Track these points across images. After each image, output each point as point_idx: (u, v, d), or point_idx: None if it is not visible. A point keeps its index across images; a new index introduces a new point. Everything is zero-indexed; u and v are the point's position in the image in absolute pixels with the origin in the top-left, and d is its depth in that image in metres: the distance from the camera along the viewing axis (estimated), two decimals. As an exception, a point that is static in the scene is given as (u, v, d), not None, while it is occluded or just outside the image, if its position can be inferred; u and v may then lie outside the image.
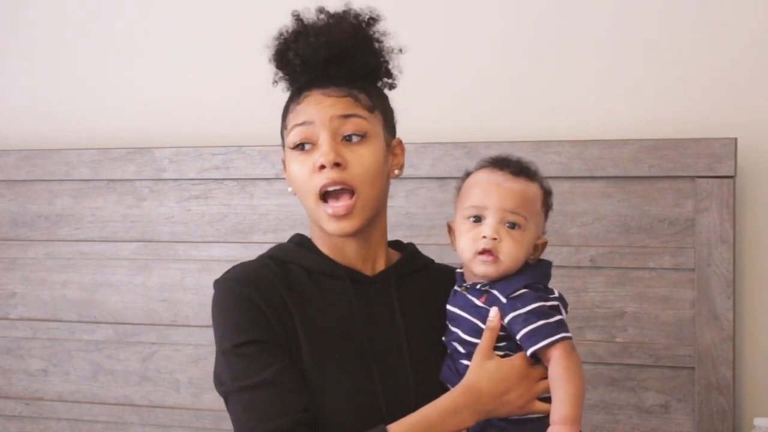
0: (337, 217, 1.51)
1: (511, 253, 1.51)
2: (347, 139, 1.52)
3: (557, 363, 1.47)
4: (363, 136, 1.53)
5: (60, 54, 2.69)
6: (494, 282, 1.53)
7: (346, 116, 1.52)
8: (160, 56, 2.61)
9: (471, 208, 1.54)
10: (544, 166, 2.17)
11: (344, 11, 1.58)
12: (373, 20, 1.59)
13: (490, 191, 1.53)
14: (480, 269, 1.52)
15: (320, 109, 1.52)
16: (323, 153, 1.50)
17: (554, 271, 2.17)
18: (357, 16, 1.58)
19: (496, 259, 1.51)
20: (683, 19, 2.23)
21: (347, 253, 1.59)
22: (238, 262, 1.61)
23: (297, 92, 1.57)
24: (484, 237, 1.51)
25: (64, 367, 2.58)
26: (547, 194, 1.59)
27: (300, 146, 1.54)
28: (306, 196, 1.54)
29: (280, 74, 1.60)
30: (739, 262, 2.15)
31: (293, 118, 1.55)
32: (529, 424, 1.52)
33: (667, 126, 2.21)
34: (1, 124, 2.73)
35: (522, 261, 1.53)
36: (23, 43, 2.72)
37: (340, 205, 1.51)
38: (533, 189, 1.55)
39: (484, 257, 1.51)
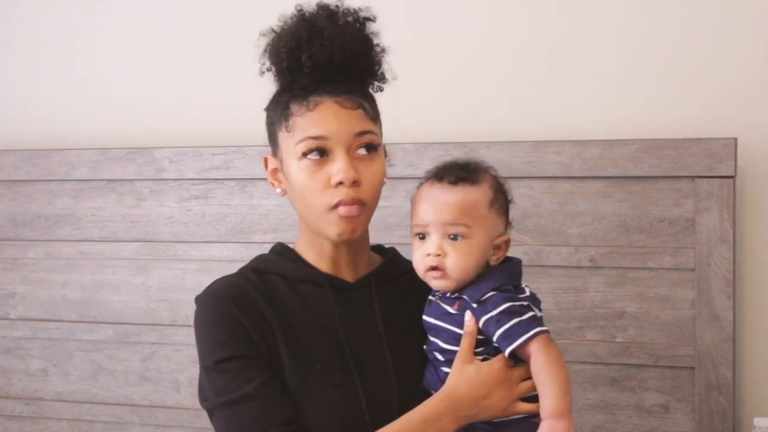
0: (350, 218, 1.50)
1: (457, 265, 1.51)
2: (359, 153, 1.52)
3: (537, 358, 1.47)
4: (374, 152, 1.53)
5: (60, 54, 2.69)
6: (464, 288, 1.53)
7: (361, 133, 1.51)
8: (160, 56, 2.61)
9: (416, 226, 1.55)
10: (544, 166, 2.18)
11: (342, 9, 1.56)
12: (368, 20, 1.57)
13: (428, 207, 1.53)
14: (434, 285, 1.54)
15: (337, 125, 1.50)
16: (342, 170, 1.49)
17: (554, 271, 2.19)
18: (355, 13, 1.56)
19: (444, 274, 1.51)
20: (683, 19, 2.23)
21: (331, 260, 1.59)
22: (220, 276, 1.60)
23: (302, 94, 1.52)
24: (429, 254, 1.52)
25: (64, 367, 2.58)
26: (497, 192, 1.56)
27: (311, 157, 1.51)
28: (312, 206, 1.52)
29: (274, 68, 1.57)
30: (739, 262, 2.15)
31: (304, 127, 1.51)
32: (513, 425, 1.51)
33: (667, 126, 2.21)
34: (1, 124, 2.74)
35: (474, 268, 1.52)
36: (23, 43, 2.72)
37: (352, 207, 1.50)
38: (474, 194, 1.53)
39: (433, 273, 1.52)
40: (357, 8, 1.57)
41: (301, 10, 1.56)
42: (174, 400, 2.49)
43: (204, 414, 2.41)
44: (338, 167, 1.49)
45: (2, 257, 2.62)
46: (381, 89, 1.62)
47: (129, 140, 2.58)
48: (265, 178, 2.38)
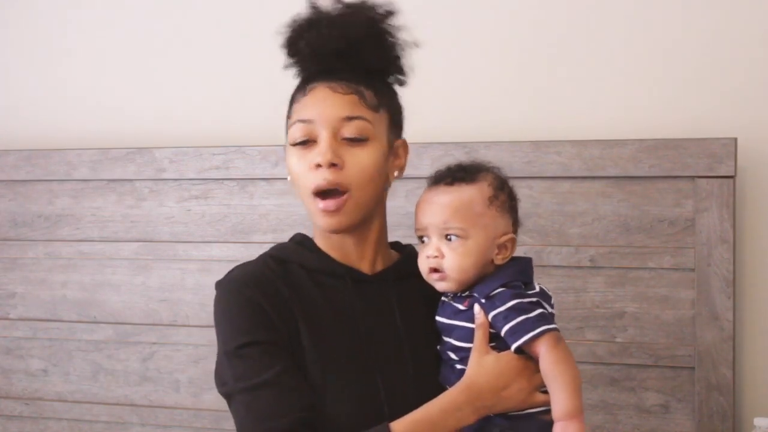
0: (327, 212, 1.51)
1: (455, 265, 1.51)
2: (347, 139, 1.52)
3: (545, 358, 1.46)
4: (364, 140, 1.52)
5: (60, 54, 2.69)
6: (473, 286, 1.53)
7: (349, 118, 1.51)
8: (160, 57, 2.61)
9: (416, 230, 1.56)
10: (544, 166, 2.18)
11: (361, 2, 1.56)
12: (389, 13, 1.57)
13: (423, 211, 1.55)
14: (437, 287, 1.55)
15: (323, 108, 1.51)
16: (320, 152, 1.50)
17: (554, 271, 2.18)
18: (373, 8, 1.56)
19: (444, 276, 1.52)
20: (683, 19, 2.23)
21: (347, 252, 1.59)
22: (240, 263, 1.61)
23: (304, 82, 1.56)
24: (428, 256, 1.53)
25: (64, 367, 2.58)
26: (497, 189, 1.55)
27: (300, 143, 1.53)
28: (301, 191, 1.54)
29: (291, 61, 1.58)
30: (739, 262, 2.15)
31: (297, 111, 1.55)
32: (528, 420, 1.51)
33: (667, 126, 2.21)
34: (1, 124, 2.74)
35: (474, 268, 1.52)
36: (23, 43, 2.72)
37: (330, 201, 1.51)
38: (468, 192, 1.53)
39: (434, 276, 1.53)
40: (375, 1, 1.57)
41: (313, 2, 1.57)
42: (174, 400, 2.49)
43: (204, 414, 2.44)
44: (317, 149, 1.51)
45: (2, 257, 2.62)
46: (402, 83, 1.62)
47: (129, 140, 2.58)
48: (265, 178, 2.43)
